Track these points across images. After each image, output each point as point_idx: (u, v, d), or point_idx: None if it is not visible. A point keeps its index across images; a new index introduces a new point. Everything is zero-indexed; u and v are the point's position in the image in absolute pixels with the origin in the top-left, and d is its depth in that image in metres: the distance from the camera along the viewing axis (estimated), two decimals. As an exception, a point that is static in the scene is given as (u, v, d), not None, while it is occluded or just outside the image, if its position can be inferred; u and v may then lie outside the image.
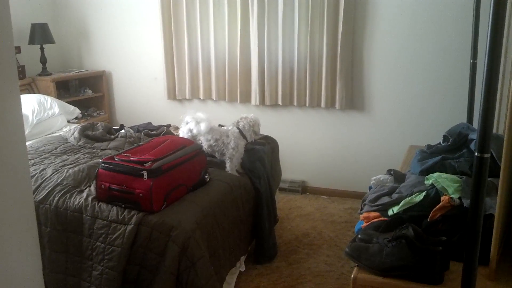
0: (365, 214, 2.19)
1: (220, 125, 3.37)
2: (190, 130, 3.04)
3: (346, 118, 4.17)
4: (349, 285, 1.78)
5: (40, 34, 4.51)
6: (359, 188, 4.11)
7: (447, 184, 2.00)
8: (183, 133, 3.07)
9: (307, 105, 4.17)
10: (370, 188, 2.52)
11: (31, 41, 4.52)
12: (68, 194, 2.54)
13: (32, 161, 2.98)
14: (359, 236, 1.91)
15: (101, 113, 4.95)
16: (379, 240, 1.80)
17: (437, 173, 2.12)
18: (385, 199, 2.17)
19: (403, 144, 3.75)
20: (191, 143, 2.75)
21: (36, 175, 2.74)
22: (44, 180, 2.68)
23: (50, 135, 3.82)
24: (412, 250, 1.67)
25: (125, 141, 3.37)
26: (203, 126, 2.98)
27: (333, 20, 3.89)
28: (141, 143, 2.78)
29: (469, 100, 3.23)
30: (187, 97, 4.60)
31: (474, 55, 3.13)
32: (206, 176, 2.72)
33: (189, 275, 2.20)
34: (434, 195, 2.02)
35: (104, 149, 3.25)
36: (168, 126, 3.87)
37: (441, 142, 2.51)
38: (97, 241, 2.35)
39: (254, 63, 4.23)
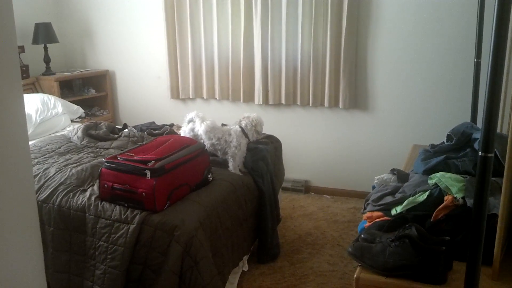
0: (368, 214, 2.18)
1: (223, 125, 3.37)
2: (192, 130, 3.04)
3: (350, 118, 4.17)
4: (352, 285, 1.78)
5: (44, 33, 4.51)
6: (362, 187, 4.11)
7: (451, 183, 1.99)
8: (184, 132, 3.07)
9: (310, 104, 4.16)
10: (373, 187, 2.51)
11: (35, 41, 4.53)
12: (71, 193, 2.54)
13: (36, 160, 2.98)
14: (362, 235, 1.90)
15: (104, 113, 4.96)
16: (382, 239, 1.80)
17: (440, 173, 2.11)
18: (388, 199, 2.16)
19: (407, 143, 3.74)
20: (194, 142, 2.75)
21: (40, 174, 2.74)
22: (47, 180, 2.68)
23: (53, 135, 3.83)
24: (416, 250, 1.66)
25: (128, 140, 3.38)
26: (203, 126, 2.98)
27: (337, 19, 3.89)
28: (144, 143, 2.78)
29: (473, 99, 3.22)
30: (190, 97, 4.60)
31: (478, 54, 3.12)
32: (209, 176, 2.72)
33: (192, 275, 2.20)
34: (437, 195, 2.01)
35: (108, 149, 3.25)
36: (171, 125, 3.87)
37: (445, 141, 2.50)
38: (100, 240, 2.35)
39: (257, 62, 4.23)
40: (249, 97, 4.39)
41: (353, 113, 4.15)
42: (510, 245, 1.88)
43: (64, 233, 2.48)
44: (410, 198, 2.05)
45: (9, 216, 1.27)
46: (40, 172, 2.77)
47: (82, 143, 3.35)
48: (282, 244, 3.33)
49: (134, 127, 3.79)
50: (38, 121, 3.88)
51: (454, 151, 2.35)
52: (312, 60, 4.02)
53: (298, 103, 4.21)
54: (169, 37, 4.51)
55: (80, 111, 4.49)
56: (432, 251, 1.64)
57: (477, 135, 2.25)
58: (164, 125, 3.81)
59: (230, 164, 2.96)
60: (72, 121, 4.35)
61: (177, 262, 2.19)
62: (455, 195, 1.93)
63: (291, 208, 4.06)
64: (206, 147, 2.98)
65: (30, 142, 3.41)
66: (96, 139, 3.41)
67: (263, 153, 3.15)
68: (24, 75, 4.47)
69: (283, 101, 4.25)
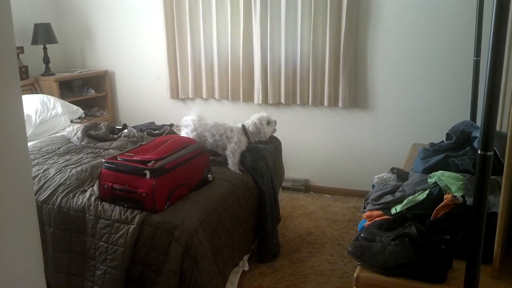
0: (368, 213, 2.19)
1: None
2: (195, 129, 3.04)
3: (349, 117, 4.17)
4: (352, 284, 1.78)
5: (43, 34, 4.52)
6: (362, 186, 4.11)
7: (450, 182, 1.99)
8: (187, 134, 3.07)
9: (310, 103, 4.16)
10: (373, 186, 2.51)
11: (34, 41, 4.53)
12: (71, 194, 2.54)
13: (35, 161, 2.98)
14: (362, 234, 1.90)
15: (104, 113, 4.96)
16: (382, 238, 1.80)
17: (440, 171, 2.11)
18: (388, 198, 2.16)
19: (406, 142, 3.74)
20: (193, 142, 2.76)
21: (39, 175, 2.74)
22: (47, 180, 2.68)
23: (53, 135, 3.83)
24: (415, 249, 1.66)
25: (128, 140, 3.38)
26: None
27: (336, 18, 3.89)
28: (144, 143, 2.79)
29: (472, 98, 3.21)
30: (190, 96, 4.60)
31: (478, 53, 3.12)
32: (209, 175, 2.72)
33: (192, 274, 2.20)
34: (437, 194, 2.01)
35: (107, 149, 3.25)
36: (171, 125, 3.87)
37: (444, 140, 2.50)
38: (100, 240, 2.35)
39: (257, 62, 4.23)
40: (248, 97, 4.39)
41: (353, 112, 4.14)
42: (510, 243, 1.88)
43: (64, 234, 2.48)
44: (410, 197, 2.06)
45: (8, 217, 1.27)
46: (40, 173, 2.77)
47: (82, 143, 3.35)
48: (282, 243, 3.33)
49: (134, 127, 3.79)
50: (37, 121, 3.88)
51: (453, 150, 2.35)
52: (312, 59, 4.02)
53: (298, 102, 4.21)
54: (169, 37, 4.51)
55: (79, 111, 4.49)
56: (432, 250, 1.64)
57: (477, 133, 2.25)
58: (163, 125, 3.81)
59: (230, 161, 2.96)
60: (71, 121, 4.35)
61: (177, 262, 2.19)
62: (455, 194, 1.93)
63: (291, 208, 4.06)
64: (209, 144, 3.01)
65: (30, 143, 3.41)
66: (96, 139, 3.41)
67: (263, 152, 3.15)
68: (24, 75, 4.47)
69: (282, 101, 4.25)
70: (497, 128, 2.50)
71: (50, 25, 4.59)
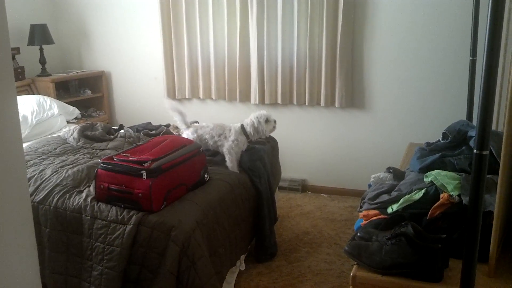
0: (364, 212, 2.19)
1: None
2: (195, 131, 3.06)
3: (346, 117, 4.17)
4: (349, 283, 1.78)
5: (40, 34, 4.50)
6: (359, 186, 4.11)
7: (447, 181, 2.00)
8: (188, 135, 3.07)
9: (306, 103, 4.16)
10: (370, 186, 2.51)
11: (31, 42, 4.52)
12: (68, 194, 2.54)
13: (31, 161, 2.98)
14: (358, 234, 1.91)
15: (100, 114, 4.95)
16: (378, 238, 1.80)
17: (436, 171, 2.12)
18: (385, 197, 2.16)
19: (403, 141, 3.75)
20: (190, 142, 2.75)
21: (36, 176, 2.73)
22: (43, 181, 2.67)
23: (49, 136, 3.82)
24: (412, 248, 1.67)
25: (124, 141, 3.37)
26: (210, 126, 3.05)
27: (333, 18, 3.89)
28: (140, 143, 2.78)
29: (468, 97, 3.22)
30: (187, 97, 4.60)
31: (474, 52, 3.13)
32: (206, 176, 2.72)
33: (189, 275, 2.20)
34: (433, 193, 2.02)
35: (104, 149, 3.25)
36: (168, 125, 3.86)
37: (441, 139, 2.50)
38: (96, 241, 2.35)
39: (253, 62, 4.23)
40: (245, 97, 4.38)
41: (350, 112, 4.15)
42: (506, 242, 1.89)
43: (60, 234, 2.47)
44: (406, 196, 2.06)
45: (3, 218, 1.26)
46: (36, 174, 2.76)
47: (78, 144, 3.34)
48: (279, 243, 3.33)
49: (130, 127, 3.79)
50: (34, 122, 3.87)
51: (450, 149, 2.36)
52: (308, 60, 4.02)
53: (295, 102, 4.21)
54: (165, 37, 4.51)
55: (76, 112, 4.48)
56: (428, 249, 1.64)
57: (473, 132, 2.25)
58: (160, 126, 3.81)
59: (227, 158, 2.96)
60: (68, 122, 4.34)
61: (174, 262, 2.18)
62: (451, 193, 1.94)
63: (288, 207, 4.06)
64: (210, 146, 3.04)
65: (26, 144, 3.40)
66: (92, 140, 3.40)
67: (260, 153, 3.16)
68: (20, 76, 4.46)
69: (279, 101, 4.25)
70: (493, 127, 2.51)
71: (46, 25, 4.58)
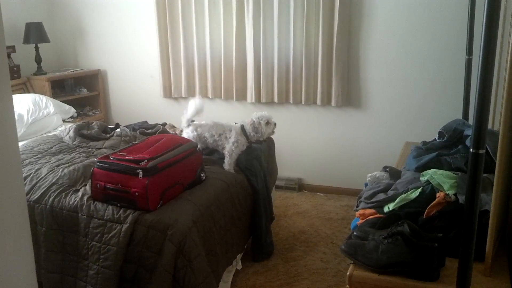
0: (360, 211, 2.19)
1: None
2: (195, 129, 3.05)
3: (342, 115, 4.17)
4: (345, 282, 1.78)
5: (35, 33, 4.49)
6: (355, 185, 4.12)
7: (443, 180, 2.00)
8: (188, 134, 3.07)
9: (303, 102, 4.16)
10: (366, 185, 2.52)
11: (26, 40, 4.50)
12: (64, 193, 2.53)
13: (27, 160, 2.97)
14: (355, 233, 1.91)
15: (96, 112, 4.94)
16: (375, 237, 1.80)
17: (432, 170, 2.12)
18: (381, 196, 2.17)
19: (399, 140, 3.76)
20: (187, 141, 2.75)
21: (31, 175, 2.72)
22: (39, 180, 2.66)
23: (45, 135, 3.81)
24: (408, 247, 1.67)
25: (120, 140, 3.36)
26: (208, 124, 3.04)
27: (329, 17, 3.89)
28: (136, 142, 2.77)
29: (464, 96, 3.23)
30: (183, 95, 4.59)
31: (470, 51, 3.13)
32: (202, 174, 2.71)
33: (185, 274, 2.19)
34: (429, 192, 2.02)
35: (100, 148, 3.24)
36: (164, 124, 3.86)
37: (437, 138, 2.51)
38: (92, 240, 2.34)
39: (249, 61, 4.22)
40: (241, 96, 4.38)
41: (346, 111, 4.15)
42: (502, 241, 1.89)
43: (56, 234, 2.46)
44: (403, 195, 2.06)
45: (-1, 217, 1.26)
46: (32, 173, 2.75)
47: (74, 143, 3.33)
48: (275, 242, 3.33)
49: (127, 126, 3.78)
50: (29, 121, 3.86)
51: (446, 148, 2.36)
52: (305, 58, 4.02)
53: (291, 101, 4.22)
54: (161, 36, 4.50)
55: (72, 110, 4.48)
56: (424, 248, 1.65)
57: (469, 131, 2.26)
58: (156, 124, 3.80)
59: (226, 161, 2.96)
60: (64, 121, 4.34)
61: (170, 261, 2.18)
62: (447, 192, 1.94)
63: (284, 206, 4.06)
64: (210, 144, 3.04)
65: (22, 143, 3.39)
66: (88, 138, 3.39)
67: (257, 152, 3.16)
68: (15, 75, 4.44)
69: (275, 100, 4.25)
70: (489, 126, 2.51)
71: (42, 24, 4.56)
